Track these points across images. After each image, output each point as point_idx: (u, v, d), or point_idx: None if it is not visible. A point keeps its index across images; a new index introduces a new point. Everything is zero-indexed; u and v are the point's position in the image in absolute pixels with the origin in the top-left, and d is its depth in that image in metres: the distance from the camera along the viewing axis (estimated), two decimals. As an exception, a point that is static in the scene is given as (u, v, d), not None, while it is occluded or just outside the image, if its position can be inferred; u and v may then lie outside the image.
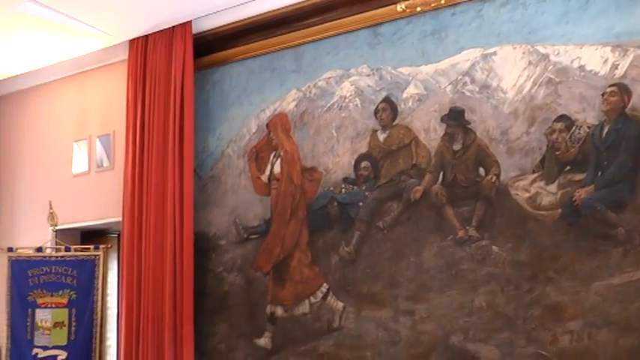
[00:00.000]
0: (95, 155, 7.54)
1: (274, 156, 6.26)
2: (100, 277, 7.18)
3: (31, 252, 7.33)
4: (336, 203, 5.87)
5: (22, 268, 7.26)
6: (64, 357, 7.14)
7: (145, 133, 6.71)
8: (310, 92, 6.10)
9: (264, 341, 6.10)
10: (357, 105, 5.86)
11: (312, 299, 5.88)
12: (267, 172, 6.28)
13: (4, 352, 7.27)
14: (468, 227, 5.24)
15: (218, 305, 6.43)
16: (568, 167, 4.93)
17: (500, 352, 5.04)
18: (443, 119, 5.45)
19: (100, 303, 7.17)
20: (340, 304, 5.75)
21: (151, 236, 6.54)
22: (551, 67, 5.05)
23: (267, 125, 6.33)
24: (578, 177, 4.89)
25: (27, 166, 8.20)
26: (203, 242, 6.53)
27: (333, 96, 5.98)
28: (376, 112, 5.77)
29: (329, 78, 6.03)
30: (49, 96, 8.06)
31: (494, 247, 5.13)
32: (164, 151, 6.56)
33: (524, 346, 4.95)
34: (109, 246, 7.35)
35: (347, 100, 5.90)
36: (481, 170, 5.26)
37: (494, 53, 5.30)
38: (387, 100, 5.73)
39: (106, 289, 7.29)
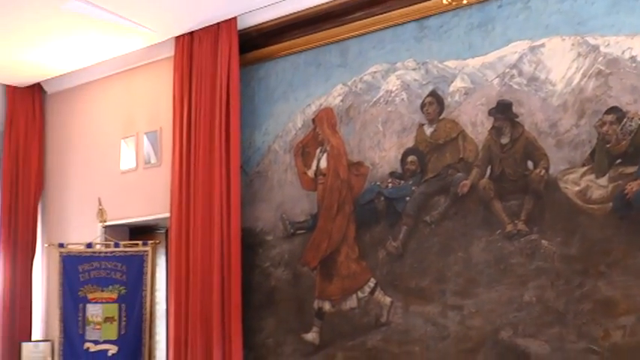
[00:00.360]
0: (142, 152, 7.61)
1: (320, 151, 6.26)
2: (149, 273, 7.26)
3: (81, 248, 7.44)
4: (382, 198, 5.85)
5: (72, 264, 7.36)
6: (114, 351, 7.23)
7: (192, 130, 6.75)
8: (356, 87, 6.08)
9: (311, 336, 6.11)
10: (403, 99, 5.83)
11: (360, 294, 5.88)
12: (314, 167, 6.28)
13: (57, 346, 7.39)
14: (516, 221, 5.18)
15: (265, 300, 6.46)
16: (619, 160, 4.85)
17: (550, 347, 4.98)
18: (490, 112, 5.39)
19: (148, 298, 7.24)
20: (388, 299, 5.73)
21: (199, 232, 6.57)
22: (601, 59, 4.97)
23: (313, 120, 6.33)
24: (630, 170, 4.80)
25: (76, 163, 8.31)
26: (250, 238, 6.55)
27: (379, 90, 5.95)
28: (422, 106, 5.73)
29: (375, 72, 6.00)
30: (97, 93, 8.16)
31: (543, 241, 5.06)
32: (211, 147, 6.60)
33: (575, 341, 4.88)
34: (157, 242, 7.43)
35: (393, 95, 5.87)
36: (529, 164, 5.20)
37: (543, 45, 5.23)
38: (433, 94, 5.69)
39: (154, 284, 7.36)
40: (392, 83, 5.89)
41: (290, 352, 6.23)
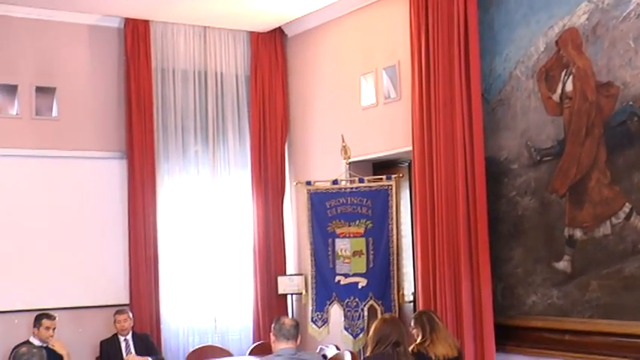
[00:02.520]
0: (382, 87, 7.68)
1: (565, 74, 5.98)
2: (394, 207, 7.37)
3: (327, 185, 7.69)
4: (636, 119, 5.49)
5: (320, 201, 7.64)
6: (364, 284, 7.46)
7: (430, 61, 6.69)
8: (603, 3, 5.71)
9: (563, 265, 5.93)
10: (656, 11, 5.42)
11: (614, 220, 5.59)
12: (559, 91, 6.02)
13: (309, 279, 7.74)
14: None
15: (513, 230, 6.34)
16: None
17: None
18: None
19: (394, 231, 7.37)
20: (645, 225, 5.43)
21: (442, 164, 6.56)
22: None
23: (557, 42, 6.04)
24: None
25: (318, 103, 8.57)
26: (494, 167, 6.44)
27: (629, 4, 5.55)
28: (679, 16, 5.30)
29: (623, -15, 5.62)
30: (335, 33, 8.32)
31: None
32: (450, 78, 6.52)
33: None
34: (401, 175, 7.51)
35: (645, 7, 5.47)
36: None
37: None
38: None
39: (399, 217, 7.48)
40: (643, -6, 5.48)
41: (540, 282, 6.10)
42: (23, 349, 4.76)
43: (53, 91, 7.87)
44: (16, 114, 7.70)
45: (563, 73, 5.99)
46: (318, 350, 7.17)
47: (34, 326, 6.97)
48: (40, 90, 7.80)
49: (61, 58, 7.97)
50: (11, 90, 7.69)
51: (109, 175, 8.07)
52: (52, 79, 7.89)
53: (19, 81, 7.73)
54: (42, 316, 6.98)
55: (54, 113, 7.87)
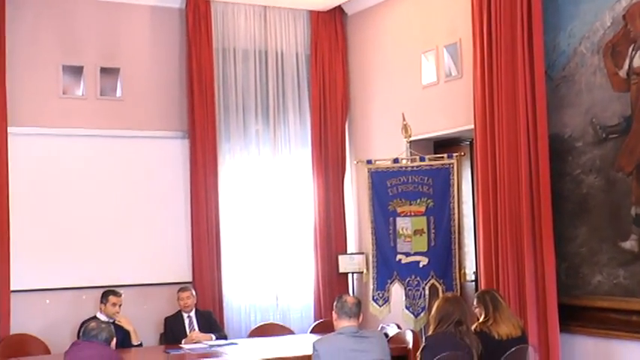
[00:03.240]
0: (443, 65, 7.64)
1: (633, 49, 5.84)
2: (455, 185, 7.35)
3: (388, 163, 7.70)
4: None
5: (381, 179, 7.65)
6: (425, 262, 7.46)
7: (492, 38, 6.62)
8: (672, -25, 5.58)
9: (630, 244, 5.82)
10: None
11: (683, 199, 5.49)
12: (626, 66, 5.88)
13: (370, 258, 7.77)
14: None
15: (577, 209, 6.25)
16: None
17: None
18: None
19: (456, 210, 7.35)
20: None
21: (504, 142, 6.50)
22: None
23: (624, 17, 5.90)
24: None
25: (378, 81, 8.57)
26: (558, 144, 6.34)
27: (699, -25, 5.41)
28: None
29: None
30: (395, 10, 8.29)
31: None
32: (512, 54, 6.44)
33: None
34: (462, 154, 7.47)
35: None
36: None
37: None
38: None
39: (461, 196, 7.46)
40: None
41: (606, 262, 6.00)
42: (92, 324, 4.92)
43: (117, 72, 8.02)
44: (82, 95, 7.88)
45: (630, 49, 5.86)
46: (379, 329, 7.19)
47: (101, 302, 7.18)
48: (104, 71, 7.97)
49: (124, 39, 8.12)
50: (77, 71, 7.87)
51: (171, 155, 8.22)
52: (116, 60, 8.04)
53: (85, 62, 7.90)
54: (108, 293, 7.18)
55: (118, 93, 8.03)
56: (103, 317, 6.95)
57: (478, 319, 5.65)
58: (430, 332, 5.50)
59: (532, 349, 5.74)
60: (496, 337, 5.47)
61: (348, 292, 8.27)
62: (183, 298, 7.51)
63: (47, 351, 7.12)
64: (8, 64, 7.41)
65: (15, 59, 7.52)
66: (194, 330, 7.40)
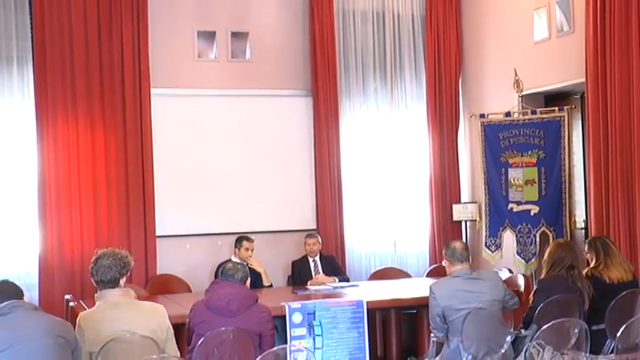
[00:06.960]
0: (555, 21, 7.72)
1: None
2: (566, 137, 7.56)
3: (500, 117, 7.96)
4: None
5: (493, 132, 7.94)
6: (536, 211, 7.75)
7: (605, -8, 6.66)
8: None
9: None
10: None
11: None
12: None
13: (483, 206, 8.09)
14: None
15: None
16: None
17: None
18: None
19: (566, 161, 7.56)
20: None
21: (616, 95, 6.62)
22: None
23: None
24: None
25: (491, 38, 8.74)
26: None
27: None
28: None
29: None
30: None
31: None
32: (627, 6, 6.50)
33: None
34: (573, 107, 7.66)
35: None
36: None
37: None
38: None
39: (571, 147, 7.65)
40: None
41: None
42: (229, 264, 5.26)
43: (246, 36, 8.44)
44: (215, 58, 8.36)
45: None
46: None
47: (235, 247, 7.64)
48: (234, 35, 8.40)
49: (253, 5, 8.50)
50: (210, 36, 8.34)
51: (296, 112, 8.59)
52: (245, 24, 8.45)
53: (217, 27, 8.35)
54: (242, 239, 7.64)
55: (247, 56, 8.45)
56: (237, 260, 7.34)
57: (589, 265, 5.76)
58: (542, 276, 5.64)
59: (644, 292, 5.67)
60: (607, 281, 5.55)
61: (461, 239, 8.41)
62: (309, 244, 7.84)
63: (189, 289, 7.66)
64: (150, 30, 7.92)
65: (155, 26, 7.99)
66: (319, 273, 7.72)
